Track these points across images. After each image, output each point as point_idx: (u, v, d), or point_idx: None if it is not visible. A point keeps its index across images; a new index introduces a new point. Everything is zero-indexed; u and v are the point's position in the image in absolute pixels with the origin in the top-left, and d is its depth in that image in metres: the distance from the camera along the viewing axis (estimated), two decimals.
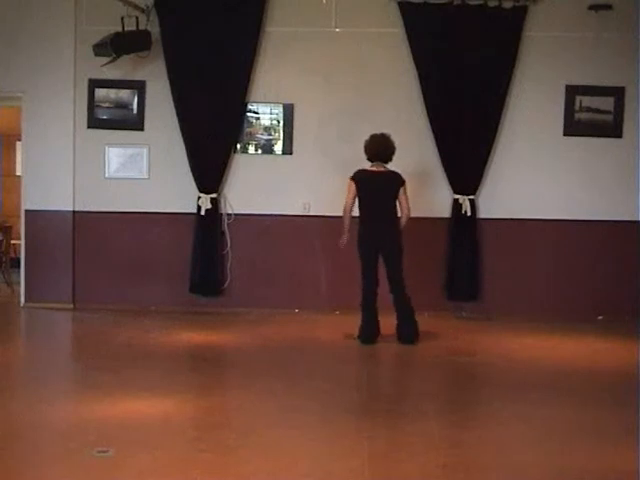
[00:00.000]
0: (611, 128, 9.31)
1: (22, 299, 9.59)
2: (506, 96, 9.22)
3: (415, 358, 7.62)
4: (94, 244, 9.49)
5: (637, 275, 9.24)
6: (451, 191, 9.30)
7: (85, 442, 5.01)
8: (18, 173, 11.23)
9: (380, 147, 8.08)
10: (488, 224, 9.37)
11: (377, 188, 8.03)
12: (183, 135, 9.27)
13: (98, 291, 9.48)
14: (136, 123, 9.42)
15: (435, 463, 4.90)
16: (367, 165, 8.15)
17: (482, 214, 9.38)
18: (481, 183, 9.34)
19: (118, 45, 8.66)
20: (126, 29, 8.80)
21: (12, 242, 11.37)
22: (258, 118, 9.42)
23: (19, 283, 9.77)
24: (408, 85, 9.24)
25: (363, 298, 8.03)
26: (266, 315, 9.20)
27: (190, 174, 9.32)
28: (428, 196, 9.34)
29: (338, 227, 8.76)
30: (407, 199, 8.01)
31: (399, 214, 8.05)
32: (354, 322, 8.60)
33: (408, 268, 9.17)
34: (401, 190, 7.99)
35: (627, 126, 9.29)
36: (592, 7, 9.07)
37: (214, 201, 9.32)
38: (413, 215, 8.73)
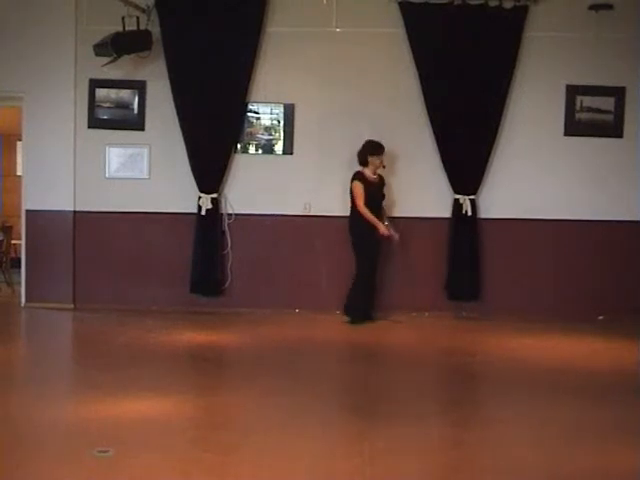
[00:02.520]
0: (612, 128, 9.31)
1: (23, 299, 9.59)
2: (506, 96, 9.22)
3: (415, 358, 7.61)
4: (95, 244, 9.49)
5: (637, 275, 9.25)
6: (451, 191, 9.30)
7: (85, 442, 5.01)
8: (19, 173, 11.23)
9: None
10: (489, 224, 9.37)
11: (375, 190, 8.81)
12: (184, 135, 9.27)
13: (99, 291, 9.48)
14: (137, 123, 9.42)
15: (436, 463, 4.90)
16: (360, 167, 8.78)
17: (482, 214, 9.37)
18: (482, 183, 9.33)
19: (119, 45, 8.66)
20: (127, 29, 8.80)
21: (13, 242, 11.37)
22: (258, 118, 9.42)
23: (20, 283, 9.77)
24: (408, 85, 9.24)
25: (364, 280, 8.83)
26: (267, 315, 9.20)
27: (191, 174, 9.32)
28: (429, 196, 9.35)
29: (339, 227, 8.82)
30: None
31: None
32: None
33: (409, 268, 9.24)
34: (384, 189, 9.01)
35: (628, 126, 9.29)
36: (593, 7, 9.07)
37: (214, 201, 9.31)
38: (414, 215, 8.97)
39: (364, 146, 8.82)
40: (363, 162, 8.82)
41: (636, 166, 9.23)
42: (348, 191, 8.82)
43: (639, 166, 9.15)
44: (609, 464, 4.84)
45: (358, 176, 8.78)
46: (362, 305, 8.89)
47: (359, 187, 8.72)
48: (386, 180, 9.01)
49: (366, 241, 8.76)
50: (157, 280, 9.45)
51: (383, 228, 8.68)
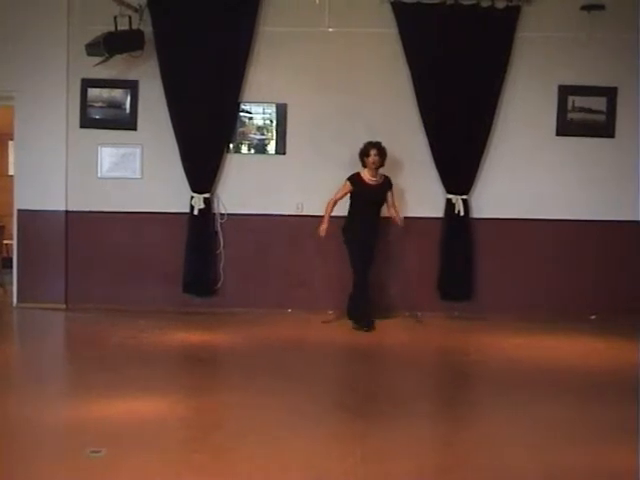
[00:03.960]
0: (603, 128, 9.33)
1: (14, 299, 9.56)
2: (499, 96, 9.23)
3: (409, 358, 7.62)
4: (87, 244, 9.46)
5: (630, 274, 9.27)
6: (444, 191, 9.31)
7: (78, 442, 5.01)
8: (10, 173, 11.19)
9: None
10: (481, 224, 9.38)
11: (371, 192, 8.69)
12: (176, 135, 9.25)
13: (91, 291, 9.45)
14: (129, 123, 9.40)
15: (429, 463, 4.91)
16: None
17: (475, 214, 9.38)
18: (474, 183, 9.35)
19: (111, 45, 8.64)
20: (119, 29, 8.79)
21: (5, 242, 11.33)
22: (251, 118, 9.41)
23: (12, 283, 9.73)
24: (401, 85, 9.24)
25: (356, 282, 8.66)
26: (259, 315, 9.19)
27: (183, 174, 9.30)
28: (421, 196, 9.35)
29: (331, 226, 8.81)
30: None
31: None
32: (346, 322, 8.64)
33: (401, 268, 9.23)
34: (392, 191, 8.77)
35: (619, 126, 9.32)
36: (585, 7, 9.09)
37: (207, 201, 9.30)
38: (406, 215, 8.95)
39: (360, 149, 8.74)
40: (362, 164, 8.72)
41: (628, 166, 9.25)
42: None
43: (634, 167, 9.17)
44: (604, 464, 4.86)
45: (350, 177, 8.71)
46: (357, 310, 8.67)
47: (343, 185, 8.67)
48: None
49: (349, 242, 8.65)
50: (150, 280, 9.43)
51: (321, 228, 8.57)
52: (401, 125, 9.28)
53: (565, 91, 9.31)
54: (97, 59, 8.77)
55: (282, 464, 4.76)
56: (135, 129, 9.42)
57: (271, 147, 9.44)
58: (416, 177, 9.33)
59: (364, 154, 8.66)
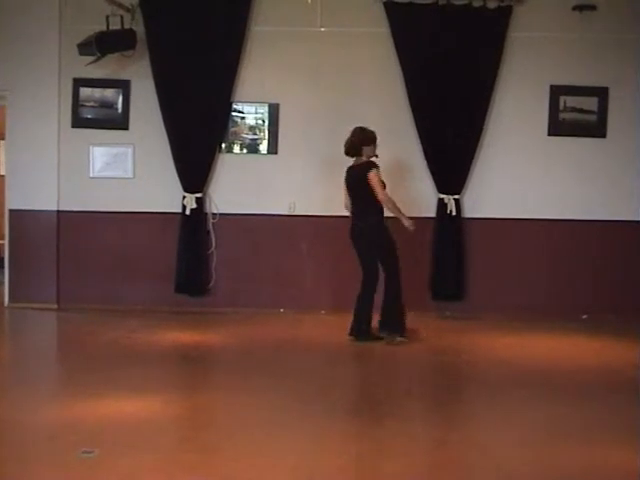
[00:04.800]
0: (595, 128, 9.36)
1: (6, 299, 9.54)
2: (491, 96, 9.25)
3: (400, 358, 7.63)
4: (79, 244, 9.45)
5: (621, 274, 9.31)
6: (436, 190, 9.32)
7: (69, 443, 4.99)
8: (2, 173, 11.17)
9: (346, 143, 8.09)
10: (473, 223, 9.40)
11: (353, 183, 8.03)
12: (168, 134, 9.25)
13: (83, 291, 9.44)
14: (121, 122, 9.40)
15: (421, 463, 4.91)
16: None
17: (467, 213, 9.40)
18: (466, 183, 9.36)
19: (103, 44, 8.64)
20: (111, 28, 8.79)
21: None
22: (243, 117, 9.41)
23: (3, 283, 9.71)
24: (393, 85, 9.26)
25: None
26: (251, 315, 9.19)
27: (175, 173, 9.30)
28: (413, 195, 9.36)
29: (323, 226, 8.82)
30: (376, 185, 7.79)
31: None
32: (340, 322, 8.62)
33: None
34: (369, 176, 7.80)
35: (611, 126, 9.34)
36: (576, 7, 9.12)
37: (199, 201, 9.30)
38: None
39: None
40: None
41: (619, 166, 9.28)
42: (332, 191, 8.70)
43: (625, 167, 9.21)
44: (596, 463, 4.86)
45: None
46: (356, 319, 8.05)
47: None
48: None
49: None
50: (142, 280, 9.42)
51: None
52: (393, 124, 9.28)
53: (557, 91, 9.33)
54: (89, 59, 8.77)
55: (274, 463, 4.75)
56: (127, 129, 9.41)
57: (263, 147, 9.44)
58: (408, 177, 9.34)
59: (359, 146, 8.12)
